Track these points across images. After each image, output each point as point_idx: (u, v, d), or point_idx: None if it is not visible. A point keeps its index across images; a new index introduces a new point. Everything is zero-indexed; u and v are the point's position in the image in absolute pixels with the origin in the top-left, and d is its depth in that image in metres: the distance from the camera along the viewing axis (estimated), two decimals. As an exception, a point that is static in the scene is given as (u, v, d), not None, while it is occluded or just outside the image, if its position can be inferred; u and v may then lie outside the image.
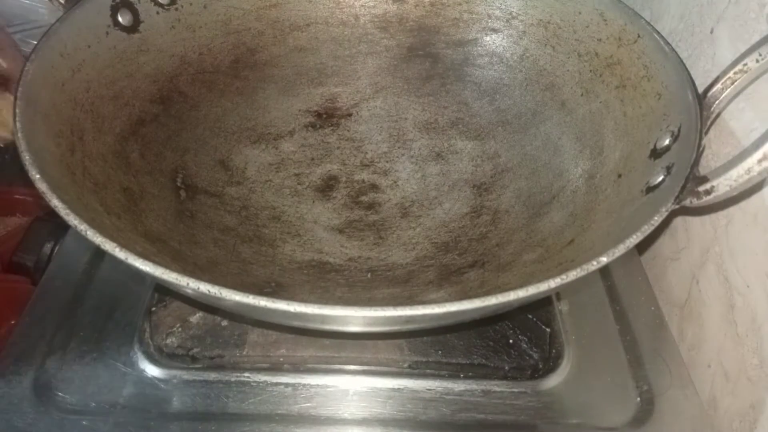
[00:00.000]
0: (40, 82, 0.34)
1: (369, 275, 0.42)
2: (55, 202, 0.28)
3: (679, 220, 0.47)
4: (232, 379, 0.38)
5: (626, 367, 0.40)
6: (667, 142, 0.35)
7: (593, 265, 0.28)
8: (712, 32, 0.41)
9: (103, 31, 0.40)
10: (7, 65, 0.55)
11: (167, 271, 0.26)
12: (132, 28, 0.43)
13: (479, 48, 0.49)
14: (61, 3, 0.59)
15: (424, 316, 0.26)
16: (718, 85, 0.35)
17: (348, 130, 0.52)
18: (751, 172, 0.28)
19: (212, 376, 0.38)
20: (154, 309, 0.41)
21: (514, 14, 0.47)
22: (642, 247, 0.51)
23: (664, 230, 0.49)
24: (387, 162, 0.50)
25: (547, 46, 0.46)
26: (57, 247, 0.46)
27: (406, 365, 0.39)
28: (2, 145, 0.57)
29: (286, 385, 0.37)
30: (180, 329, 0.40)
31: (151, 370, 0.38)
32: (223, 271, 0.38)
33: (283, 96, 0.51)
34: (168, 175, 0.43)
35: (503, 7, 0.47)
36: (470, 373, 0.39)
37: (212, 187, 0.45)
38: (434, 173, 0.49)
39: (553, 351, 0.40)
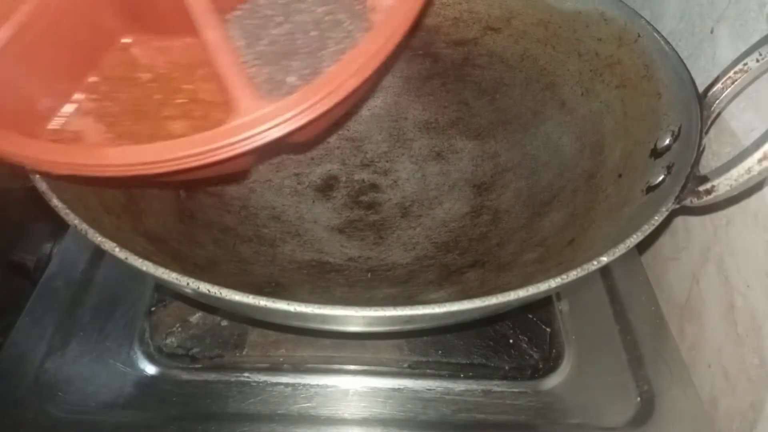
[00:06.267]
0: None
1: (369, 275, 0.42)
2: (55, 202, 0.28)
3: (679, 220, 0.47)
4: (232, 379, 0.38)
5: (626, 367, 0.40)
6: (667, 141, 0.35)
7: (593, 265, 0.28)
8: (712, 32, 0.41)
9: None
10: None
11: (167, 271, 0.26)
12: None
13: (479, 48, 0.49)
14: None
15: (424, 316, 0.26)
16: (719, 85, 0.35)
17: (348, 130, 0.52)
18: (751, 171, 0.28)
19: (212, 376, 0.38)
20: (154, 309, 0.41)
21: (514, 14, 0.47)
22: (642, 247, 0.51)
23: (664, 230, 0.49)
24: (387, 162, 0.50)
25: (547, 46, 0.46)
26: (57, 247, 0.46)
27: (406, 365, 0.39)
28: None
29: (286, 385, 0.37)
30: (180, 329, 0.40)
31: (151, 370, 0.38)
32: (223, 271, 0.38)
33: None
34: (168, 175, 0.43)
35: (503, 6, 0.47)
36: (470, 373, 0.39)
37: (212, 186, 0.45)
38: (434, 173, 0.49)
39: (553, 351, 0.40)
